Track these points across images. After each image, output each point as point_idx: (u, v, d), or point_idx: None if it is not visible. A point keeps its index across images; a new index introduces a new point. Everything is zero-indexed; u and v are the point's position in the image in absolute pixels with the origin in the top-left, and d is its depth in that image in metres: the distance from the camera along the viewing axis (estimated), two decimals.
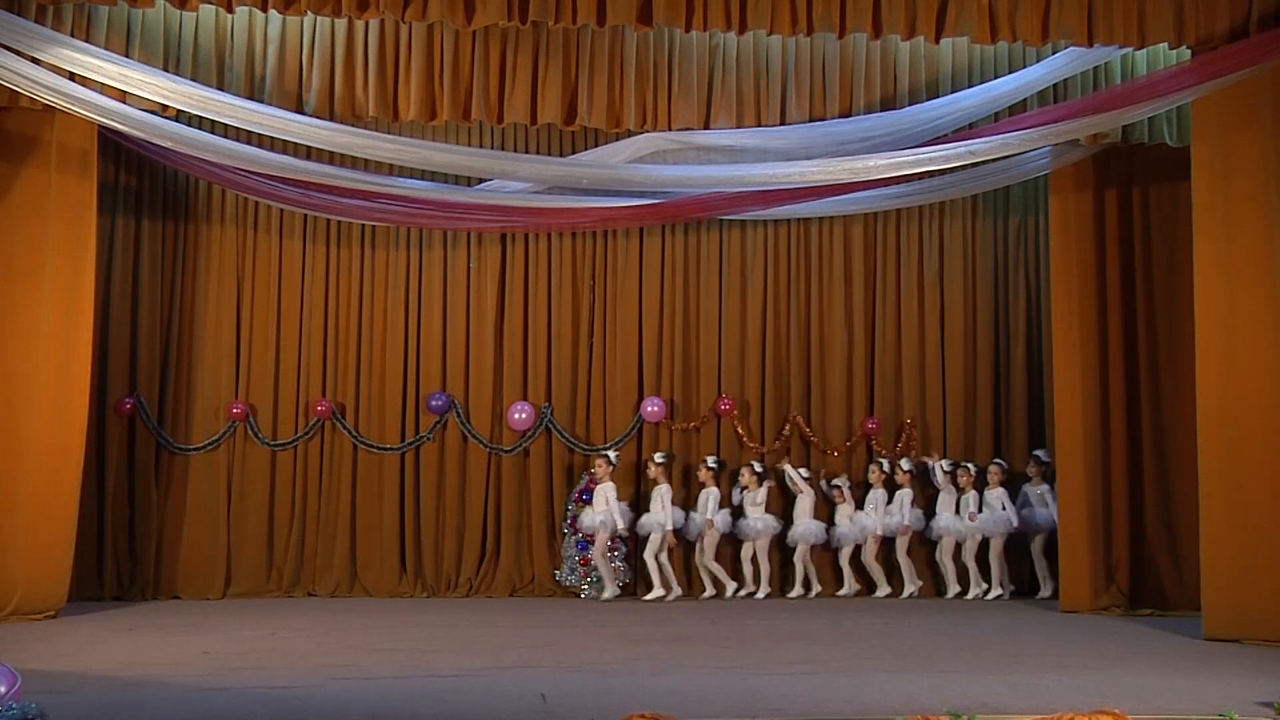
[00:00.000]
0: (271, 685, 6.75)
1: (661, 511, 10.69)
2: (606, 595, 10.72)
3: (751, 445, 11.38)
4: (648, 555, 10.70)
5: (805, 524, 10.93)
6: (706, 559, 10.85)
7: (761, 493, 10.93)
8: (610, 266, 11.54)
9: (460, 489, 11.20)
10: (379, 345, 11.32)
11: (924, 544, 11.26)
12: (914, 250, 11.68)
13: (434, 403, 11.22)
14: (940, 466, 11.09)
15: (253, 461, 11.07)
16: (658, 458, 10.93)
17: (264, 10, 8.63)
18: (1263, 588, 8.44)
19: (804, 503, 10.98)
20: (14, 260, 9.32)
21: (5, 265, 9.29)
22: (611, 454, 10.93)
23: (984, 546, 10.98)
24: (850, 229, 11.64)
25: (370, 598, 10.88)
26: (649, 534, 10.77)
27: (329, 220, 11.18)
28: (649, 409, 11.29)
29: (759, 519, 10.87)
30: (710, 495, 10.85)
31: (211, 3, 8.59)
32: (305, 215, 11.13)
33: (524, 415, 11.21)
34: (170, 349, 11.04)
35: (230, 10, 8.89)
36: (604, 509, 10.69)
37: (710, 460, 11.03)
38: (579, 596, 10.90)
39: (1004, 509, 10.89)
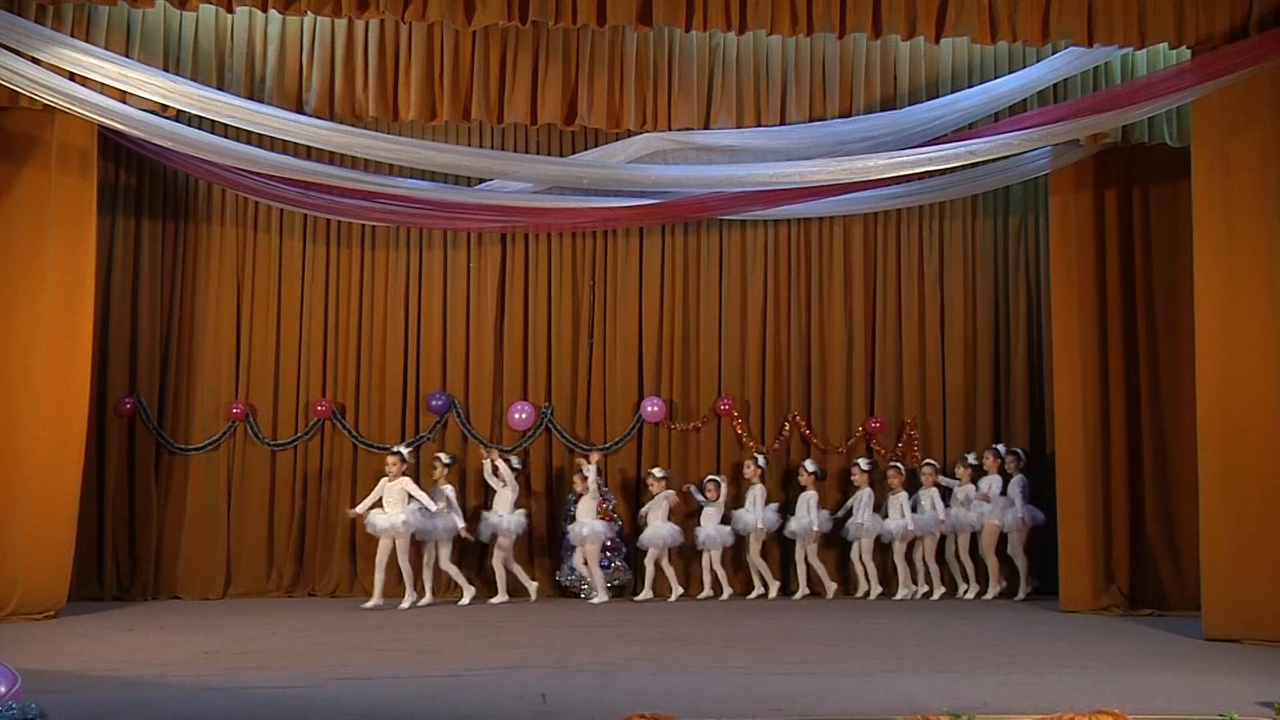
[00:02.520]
0: (271, 685, 6.75)
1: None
2: (597, 599, 10.70)
3: (751, 445, 11.38)
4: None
5: (655, 527, 10.78)
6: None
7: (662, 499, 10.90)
8: (610, 266, 11.55)
9: (460, 489, 11.18)
10: (379, 345, 11.32)
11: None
12: (914, 250, 11.69)
13: (434, 403, 11.22)
14: (859, 465, 11.05)
15: (253, 461, 11.07)
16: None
17: (264, 10, 8.63)
18: (1263, 588, 8.44)
19: (657, 507, 10.83)
20: (14, 260, 9.33)
21: (5, 265, 9.30)
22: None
23: (914, 545, 11.03)
24: (850, 229, 11.65)
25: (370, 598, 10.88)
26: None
27: (329, 220, 11.18)
28: (649, 409, 11.29)
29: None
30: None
31: (211, 3, 8.60)
32: (305, 215, 11.14)
33: (524, 415, 11.21)
34: (170, 349, 11.04)
35: (230, 10, 8.90)
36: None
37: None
38: (579, 597, 10.90)
39: (934, 508, 10.92)
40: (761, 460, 11.06)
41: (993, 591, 10.92)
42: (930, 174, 10.36)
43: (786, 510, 11.09)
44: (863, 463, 11.10)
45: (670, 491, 10.88)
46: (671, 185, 10.46)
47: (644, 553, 10.89)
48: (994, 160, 10.15)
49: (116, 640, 8.44)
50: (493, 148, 11.14)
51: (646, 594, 10.81)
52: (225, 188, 10.90)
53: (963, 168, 10.43)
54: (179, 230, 11.12)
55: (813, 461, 11.13)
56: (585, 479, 10.72)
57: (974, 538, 11.02)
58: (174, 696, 6.43)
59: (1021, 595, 10.87)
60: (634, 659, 7.69)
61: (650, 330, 11.51)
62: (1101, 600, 10.13)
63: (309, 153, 10.39)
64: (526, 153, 11.12)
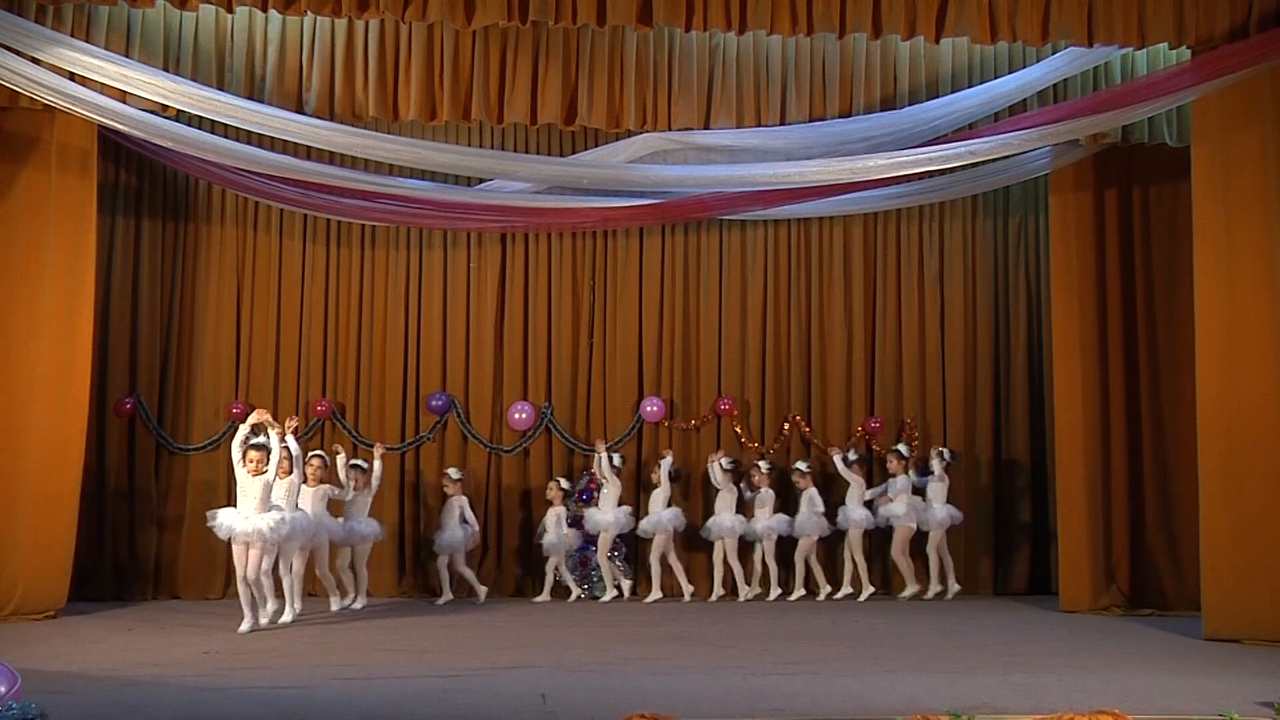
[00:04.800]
0: (271, 685, 6.76)
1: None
2: (606, 596, 10.73)
3: (751, 445, 11.38)
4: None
5: (452, 530, 10.58)
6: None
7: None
8: (610, 266, 11.54)
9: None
10: (379, 345, 11.32)
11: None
12: (914, 250, 11.68)
13: (434, 403, 11.22)
14: (720, 464, 10.80)
15: None
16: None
17: (264, 10, 8.64)
18: (1263, 588, 8.46)
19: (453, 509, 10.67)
20: (14, 260, 9.33)
21: (5, 265, 9.30)
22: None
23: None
24: (850, 229, 11.64)
25: (370, 598, 10.86)
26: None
27: (329, 220, 11.18)
28: (649, 409, 11.29)
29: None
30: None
31: (211, 3, 8.61)
32: (305, 215, 11.13)
33: (524, 415, 11.21)
34: (170, 349, 11.03)
35: (230, 10, 8.90)
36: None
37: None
38: (579, 596, 10.90)
39: (820, 510, 10.78)
40: (617, 459, 10.85)
41: (911, 591, 10.76)
42: (930, 174, 10.35)
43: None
44: (725, 461, 10.85)
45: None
46: (671, 185, 10.46)
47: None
48: (994, 160, 10.15)
49: (116, 640, 8.45)
50: (493, 148, 11.14)
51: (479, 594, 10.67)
52: (225, 188, 10.89)
53: (963, 168, 10.43)
54: (179, 230, 11.11)
55: (669, 461, 10.88)
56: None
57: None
58: (174, 696, 6.44)
59: (950, 595, 10.75)
60: (634, 659, 7.70)
61: (650, 330, 11.51)
62: (1101, 600, 10.14)
63: (309, 153, 10.38)
64: (526, 153, 11.11)
